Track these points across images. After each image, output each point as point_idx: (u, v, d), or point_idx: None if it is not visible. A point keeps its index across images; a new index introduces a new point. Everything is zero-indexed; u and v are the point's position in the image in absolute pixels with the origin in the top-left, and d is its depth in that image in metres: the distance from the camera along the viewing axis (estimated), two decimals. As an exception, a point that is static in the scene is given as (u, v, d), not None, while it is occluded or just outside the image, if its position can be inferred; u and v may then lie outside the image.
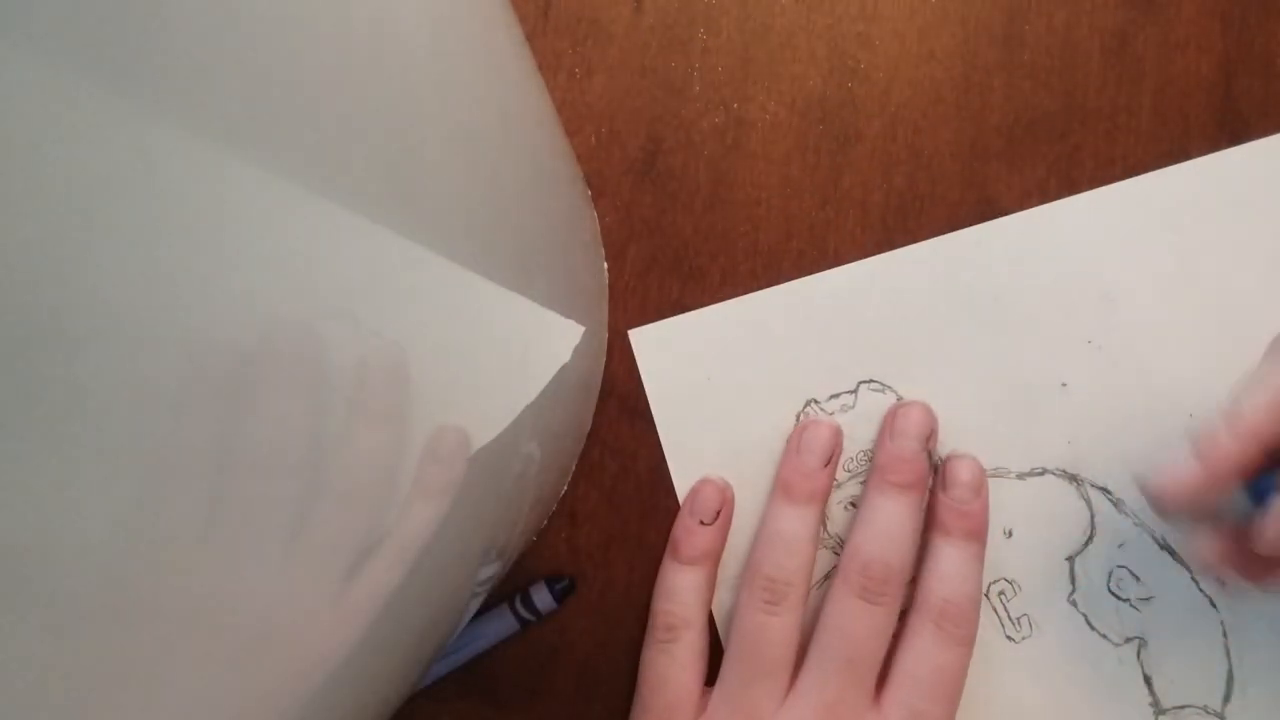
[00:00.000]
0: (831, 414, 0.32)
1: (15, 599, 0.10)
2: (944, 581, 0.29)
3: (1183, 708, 0.30)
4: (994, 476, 0.31)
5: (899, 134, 0.32)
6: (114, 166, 0.10)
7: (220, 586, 0.13)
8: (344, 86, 0.14)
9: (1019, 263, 0.32)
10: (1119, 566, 0.31)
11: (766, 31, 0.33)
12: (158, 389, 0.11)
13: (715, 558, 0.32)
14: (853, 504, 0.32)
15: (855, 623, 0.29)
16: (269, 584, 0.14)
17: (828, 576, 0.31)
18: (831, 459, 0.31)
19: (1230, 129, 0.31)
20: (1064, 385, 0.31)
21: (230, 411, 0.12)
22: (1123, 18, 0.32)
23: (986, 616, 0.31)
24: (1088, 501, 0.31)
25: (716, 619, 0.32)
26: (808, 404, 0.32)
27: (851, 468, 0.32)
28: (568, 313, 0.26)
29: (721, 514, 0.31)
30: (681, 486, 0.32)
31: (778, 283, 0.32)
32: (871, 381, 0.32)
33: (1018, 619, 0.31)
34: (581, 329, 0.27)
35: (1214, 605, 0.30)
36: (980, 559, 0.30)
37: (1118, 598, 0.30)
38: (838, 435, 0.31)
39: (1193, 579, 0.30)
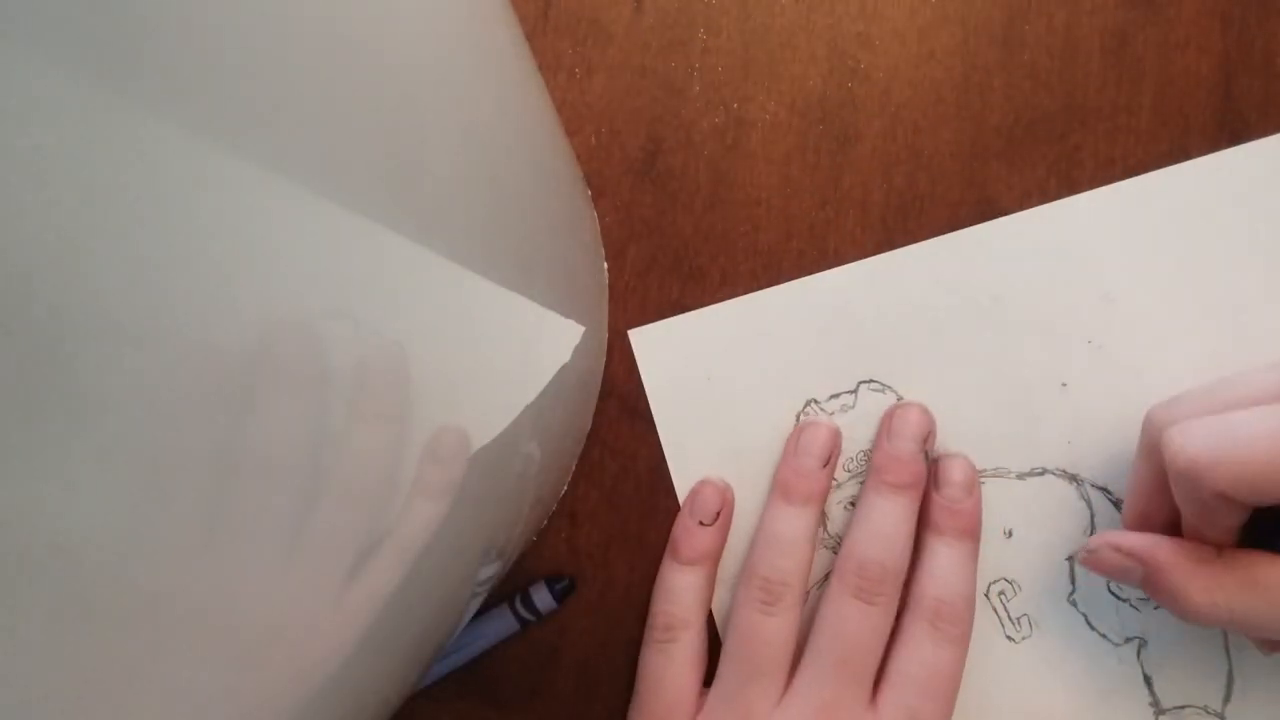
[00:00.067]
0: (831, 414, 0.32)
1: (17, 599, 0.10)
2: (938, 581, 0.29)
3: (1183, 708, 0.30)
4: (994, 476, 0.31)
5: (899, 134, 0.32)
6: (114, 166, 0.10)
7: (221, 587, 0.13)
8: (344, 87, 0.14)
9: (1019, 263, 0.32)
10: (1119, 566, 0.31)
11: (766, 31, 0.33)
12: (158, 389, 0.11)
13: (715, 558, 0.32)
14: (852, 504, 0.32)
15: (851, 623, 0.29)
16: (269, 584, 0.14)
17: (828, 576, 0.31)
18: (830, 460, 0.31)
19: (1230, 129, 0.31)
20: (1064, 385, 0.31)
21: (230, 412, 0.12)
22: (1123, 18, 0.32)
23: (986, 616, 0.31)
24: (1088, 501, 0.31)
25: (716, 619, 0.32)
26: (808, 404, 0.32)
27: (851, 468, 0.32)
28: (568, 313, 0.26)
29: (721, 515, 0.31)
30: (681, 486, 0.32)
31: (778, 283, 0.32)
32: (871, 381, 0.32)
33: (1018, 619, 0.31)
34: (581, 329, 0.27)
35: (1214, 605, 0.30)
36: (974, 558, 0.30)
37: (1118, 598, 0.30)
38: (836, 436, 0.31)
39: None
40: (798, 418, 0.32)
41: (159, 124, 0.10)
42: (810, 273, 0.32)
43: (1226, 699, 0.30)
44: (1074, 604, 0.31)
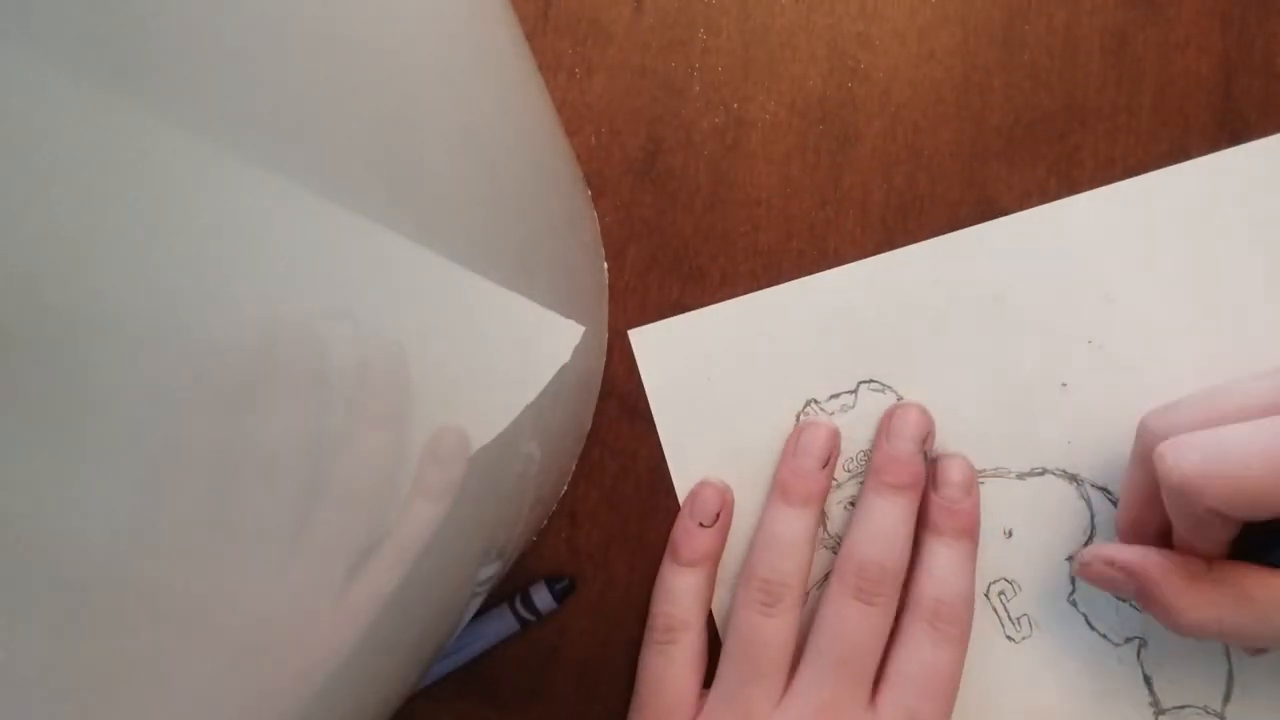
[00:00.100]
0: (831, 414, 0.32)
1: (18, 599, 0.10)
2: (936, 581, 0.29)
3: (1183, 708, 0.30)
4: (994, 476, 0.31)
5: (899, 134, 0.32)
6: (115, 166, 0.10)
7: (221, 586, 0.13)
8: (344, 87, 0.14)
9: (1019, 263, 0.32)
10: (1119, 566, 0.31)
11: (766, 31, 0.33)
12: (159, 389, 0.11)
13: (714, 560, 0.32)
14: (852, 504, 0.32)
15: (851, 623, 0.29)
16: (269, 584, 0.14)
17: (828, 576, 0.31)
18: (829, 461, 0.31)
19: (1230, 129, 0.31)
20: (1064, 385, 0.31)
21: (231, 411, 0.12)
22: (1123, 18, 0.32)
23: (986, 616, 0.31)
24: (1088, 501, 0.31)
25: (716, 619, 0.32)
26: (808, 404, 0.32)
27: (851, 468, 0.32)
28: (568, 313, 0.26)
29: (721, 516, 0.31)
30: (681, 486, 0.32)
31: (778, 283, 0.32)
32: (871, 381, 0.32)
33: (1018, 619, 0.31)
34: (581, 329, 0.27)
35: (1214, 605, 0.30)
36: (972, 557, 0.30)
37: (1118, 598, 0.30)
38: (835, 437, 0.31)
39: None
40: (798, 418, 0.32)
41: (160, 124, 0.10)
42: (810, 273, 0.32)
43: (1226, 699, 0.30)
44: (1074, 604, 0.31)
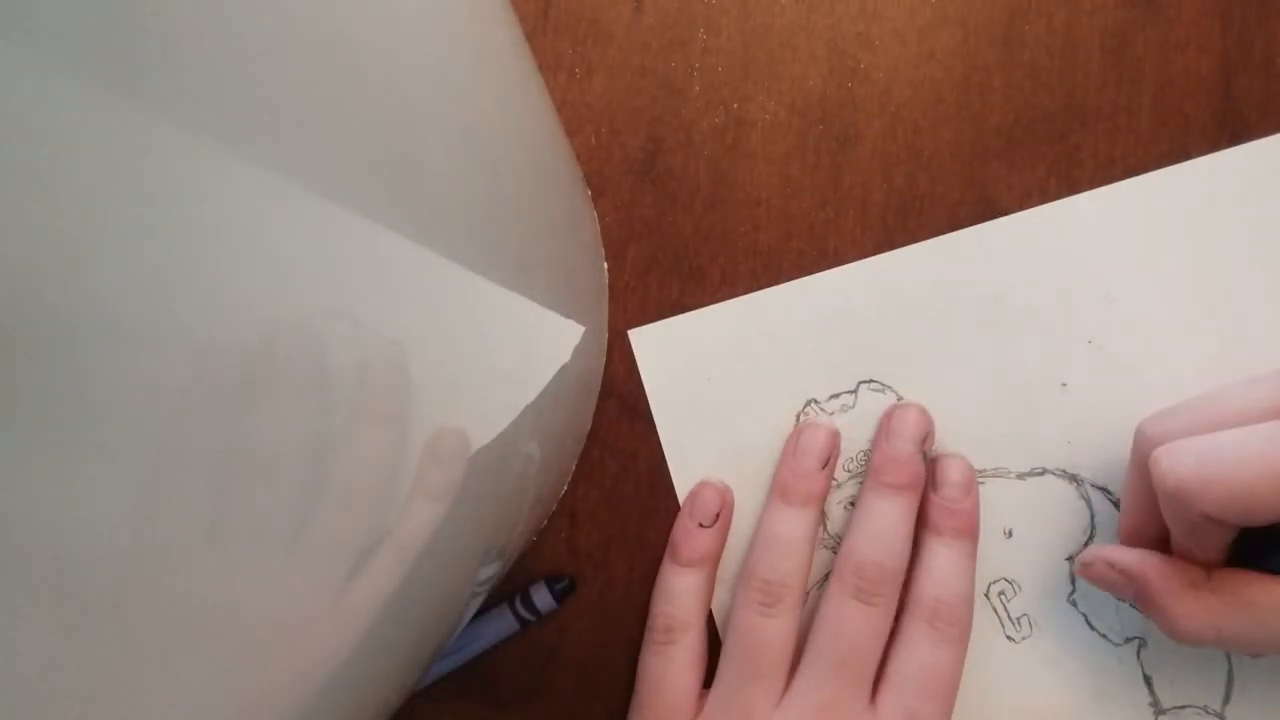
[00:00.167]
0: (831, 414, 0.32)
1: (18, 599, 0.10)
2: (936, 581, 0.29)
3: (1183, 708, 0.30)
4: (994, 476, 0.31)
5: (899, 134, 0.32)
6: (115, 166, 0.10)
7: (221, 587, 0.13)
8: (344, 86, 0.14)
9: (1019, 263, 0.32)
10: (1119, 566, 0.31)
11: (766, 31, 0.33)
12: (160, 389, 0.11)
13: (714, 560, 0.32)
14: (852, 504, 0.32)
15: (850, 623, 0.29)
16: (270, 584, 0.14)
17: (827, 576, 0.31)
18: (829, 461, 0.31)
19: (1230, 129, 0.31)
20: (1064, 385, 0.31)
21: (231, 411, 0.12)
22: (1123, 18, 0.32)
23: (986, 616, 0.31)
24: (1088, 501, 0.31)
25: (716, 619, 0.32)
26: (808, 404, 0.32)
27: (851, 468, 0.32)
28: (568, 313, 0.26)
29: (721, 516, 0.31)
30: (681, 486, 0.32)
31: (778, 283, 0.32)
32: (871, 381, 0.32)
33: (1018, 619, 0.31)
34: (581, 329, 0.27)
35: (1214, 605, 0.30)
36: (972, 557, 0.30)
37: (1118, 598, 0.30)
38: (835, 437, 0.31)
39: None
40: (798, 418, 0.32)
41: (159, 124, 0.10)
42: (810, 273, 0.32)
43: (1226, 699, 0.30)
44: (1074, 604, 0.31)
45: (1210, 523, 0.24)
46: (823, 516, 0.32)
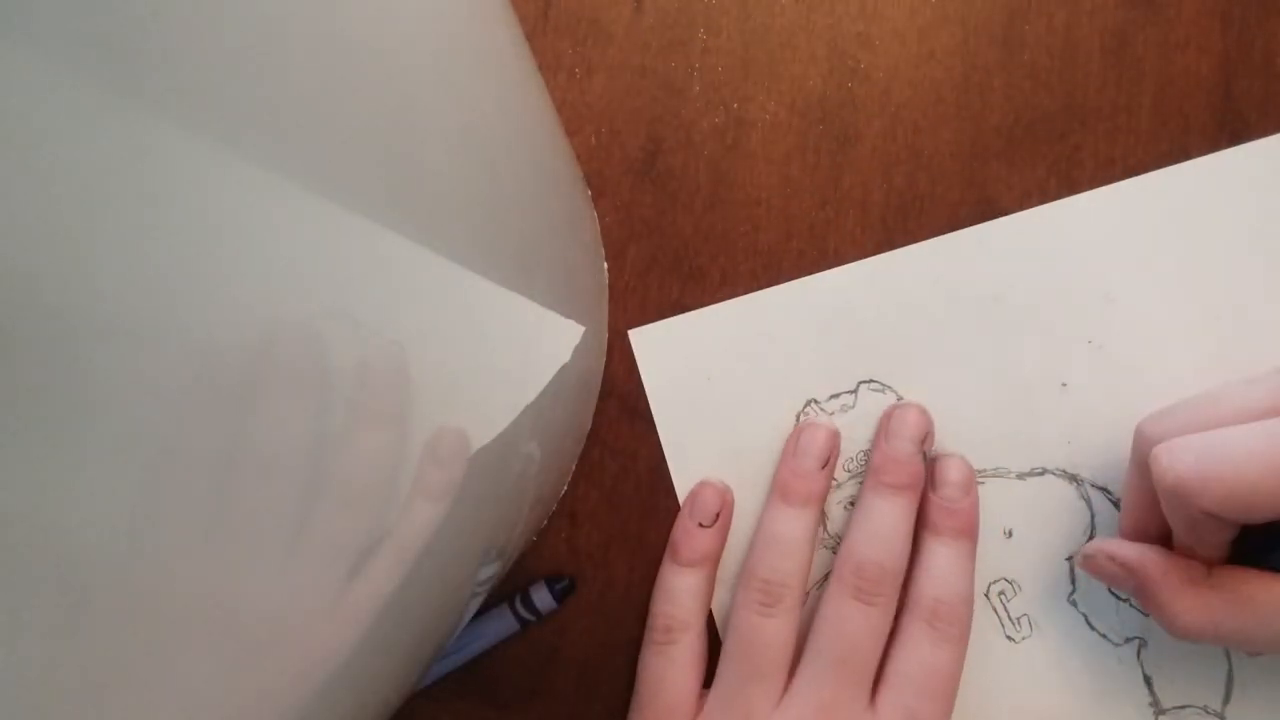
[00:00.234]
0: (831, 414, 0.32)
1: (18, 599, 0.10)
2: (935, 580, 0.29)
3: (1183, 708, 0.30)
4: (994, 476, 0.31)
5: (899, 134, 0.32)
6: (115, 166, 0.10)
7: (221, 586, 0.13)
8: (344, 87, 0.14)
9: (1019, 263, 0.32)
10: (1119, 566, 0.31)
11: (766, 31, 0.33)
12: (160, 389, 0.11)
13: (714, 560, 0.32)
14: (852, 504, 0.32)
15: (850, 623, 0.29)
16: (270, 584, 0.14)
17: (827, 576, 0.31)
18: (829, 461, 0.31)
19: (1230, 129, 0.31)
20: (1064, 385, 0.31)
21: (231, 411, 0.12)
22: (1123, 18, 0.32)
23: (986, 616, 0.31)
24: (1088, 501, 0.31)
25: (716, 619, 0.32)
26: (808, 404, 0.32)
27: (851, 468, 0.32)
28: (568, 313, 0.26)
29: (721, 516, 0.31)
30: (681, 486, 0.32)
31: (778, 283, 0.32)
32: (871, 381, 0.32)
33: (1018, 619, 0.31)
34: (581, 329, 0.27)
35: (1214, 605, 0.30)
36: (971, 557, 0.30)
37: (1118, 598, 0.30)
38: (835, 438, 0.31)
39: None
40: (798, 418, 0.32)
41: (159, 124, 0.10)
42: (810, 273, 0.32)
43: (1226, 699, 0.30)
44: (1074, 604, 0.31)
45: (1210, 520, 0.24)
46: (823, 516, 0.32)
